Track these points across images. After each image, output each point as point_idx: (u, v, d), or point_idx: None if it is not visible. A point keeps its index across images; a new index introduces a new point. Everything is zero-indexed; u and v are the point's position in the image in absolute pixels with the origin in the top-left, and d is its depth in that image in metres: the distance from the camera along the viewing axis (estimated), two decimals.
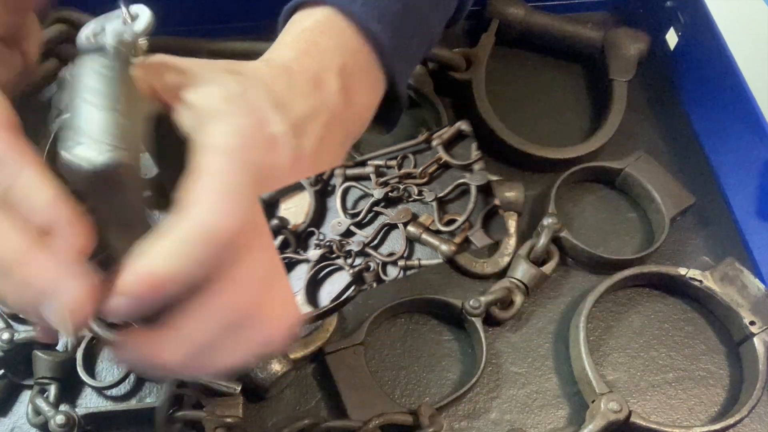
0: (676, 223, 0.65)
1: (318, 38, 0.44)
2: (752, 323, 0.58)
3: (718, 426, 0.55)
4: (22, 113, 0.72)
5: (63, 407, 0.53)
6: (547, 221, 0.62)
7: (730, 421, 0.55)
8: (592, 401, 0.56)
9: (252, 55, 0.71)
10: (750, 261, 0.65)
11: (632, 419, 0.55)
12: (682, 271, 0.61)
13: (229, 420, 0.52)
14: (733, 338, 0.61)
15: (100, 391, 0.56)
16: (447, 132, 0.61)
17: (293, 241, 0.58)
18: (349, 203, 0.59)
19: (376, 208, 0.59)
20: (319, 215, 0.59)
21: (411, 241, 0.58)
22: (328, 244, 0.57)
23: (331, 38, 0.44)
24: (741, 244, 0.66)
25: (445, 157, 0.60)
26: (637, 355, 0.60)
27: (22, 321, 0.58)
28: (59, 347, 0.56)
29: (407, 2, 0.46)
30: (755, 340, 0.58)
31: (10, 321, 0.57)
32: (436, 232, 0.58)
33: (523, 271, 0.61)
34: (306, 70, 0.42)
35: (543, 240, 0.61)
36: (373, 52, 0.45)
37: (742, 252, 0.65)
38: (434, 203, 0.58)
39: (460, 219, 0.58)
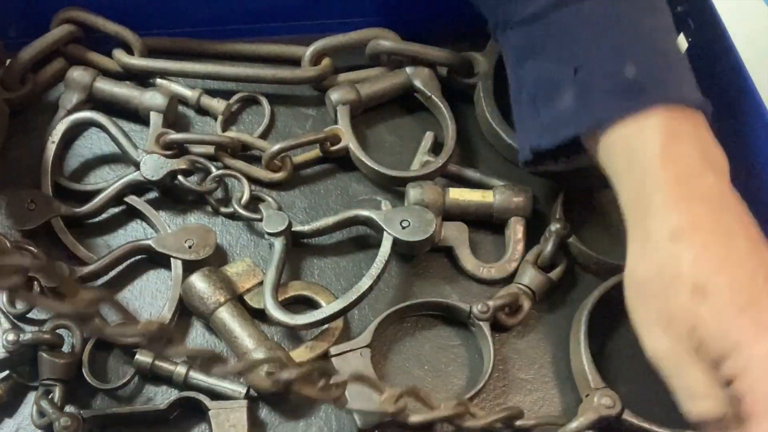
0: None
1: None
2: None
3: None
4: (28, 113, 0.72)
5: (68, 409, 0.53)
6: (554, 226, 0.62)
7: None
8: (586, 395, 0.55)
9: (255, 57, 0.72)
10: None
11: (624, 416, 0.54)
12: None
13: None
14: None
15: (105, 393, 0.56)
16: None
17: None
18: None
19: None
20: None
21: None
22: None
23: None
24: None
25: None
26: (639, 354, 0.60)
27: (28, 322, 0.58)
28: (65, 348, 0.56)
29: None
30: None
31: (16, 322, 0.57)
32: None
33: (530, 277, 0.60)
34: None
35: (550, 246, 0.61)
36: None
37: None
38: None
39: None
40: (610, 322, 0.61)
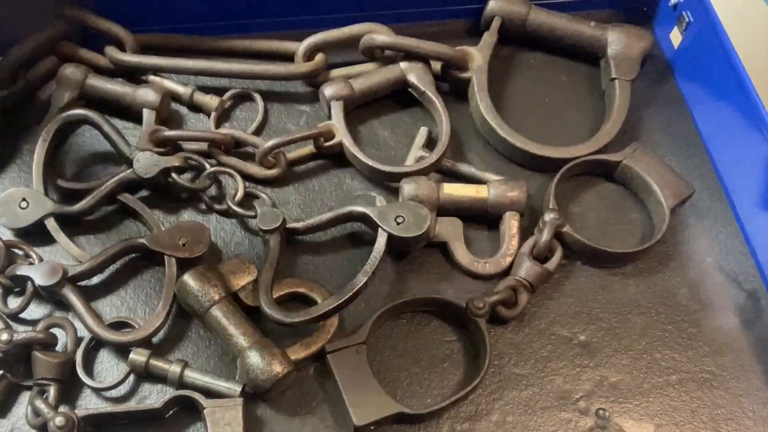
0: (677, 215, 0.65)
1: None
2: None
3: None
4: (21, 111, 0.72)
5: (62, 408, 0.53)
6: (548, 217, 0.61)
7: None
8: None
9: (249, 53, 0.72)
10: (750, 252, 0.65)
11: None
12: None
13: None
14: None
15: (99, 392, 0.56)
16: None
17: None
18: None
19: None
20: None
21: None
22: None
23: None
24: (741, 237, 0.66)
25: None
26: (640, 357, 0.60)
27: (22, 322, 0.58)
28: (58, 348, 0.56)
29: None
30: None
31: (9, 321, 0.57)
32: None
33: (527, 269, 0.60)
34: None
35: (545, 236, 0.61)
36: None
37: (742, 243, 0.65)
38: None
39: None
40: (609, 321, 0.61)
